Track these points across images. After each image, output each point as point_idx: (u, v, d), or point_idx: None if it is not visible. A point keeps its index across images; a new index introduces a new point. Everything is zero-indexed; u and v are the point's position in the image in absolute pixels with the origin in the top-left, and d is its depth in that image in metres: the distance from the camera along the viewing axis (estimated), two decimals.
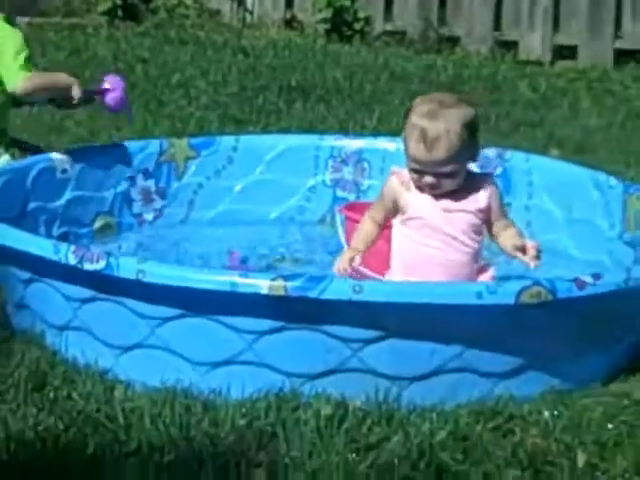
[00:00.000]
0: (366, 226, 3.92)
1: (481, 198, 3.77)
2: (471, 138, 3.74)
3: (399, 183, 3.80)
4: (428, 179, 3.70)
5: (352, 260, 3.80)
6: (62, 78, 4.80)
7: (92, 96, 4.93)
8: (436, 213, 3.73)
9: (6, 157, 4.66)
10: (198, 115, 6.81)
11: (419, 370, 3.32)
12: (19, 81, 4.60)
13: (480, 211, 3.76)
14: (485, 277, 3.77)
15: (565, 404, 3.31)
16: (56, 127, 6.36)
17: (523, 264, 3.76)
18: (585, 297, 3.35)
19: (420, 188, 3.74)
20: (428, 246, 3.73)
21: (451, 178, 3.72)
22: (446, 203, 3.74)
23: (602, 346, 3.53)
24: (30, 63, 4.69)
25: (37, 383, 3.32)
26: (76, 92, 4.72)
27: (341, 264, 3.81)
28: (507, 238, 3.77)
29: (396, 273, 3.80)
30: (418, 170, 3.71)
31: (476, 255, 3.80)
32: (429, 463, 2.96)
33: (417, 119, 3.71)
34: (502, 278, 3.84)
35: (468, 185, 3.78)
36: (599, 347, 3.52)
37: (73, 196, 4.58)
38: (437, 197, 3.74)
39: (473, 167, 3.91)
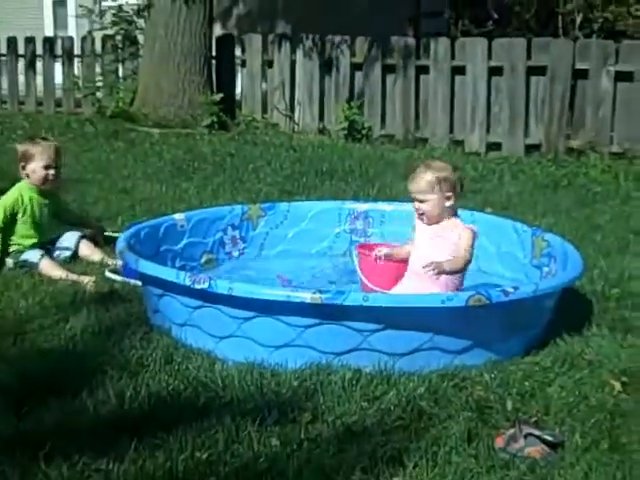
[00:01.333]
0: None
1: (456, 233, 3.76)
2: (441, 189, 3.73)
3: None
4: (415, 205, 3.82)
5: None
6: None
7: None
8: None
9: (39, 251, 4.63)
10: (265, 190, 6.80)
11: (406, 349, 3.30)
12: None
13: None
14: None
15: (498, 369, 3.29)
16: (177, 198, 6.38)
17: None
18: (509, 301, 3.33)
19: None
20: None
21: (425, 212, 3.79)
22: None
23: (520, 332, 3.50)
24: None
25: (167, 360, 3.33)
26: None
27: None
28: None
29: None
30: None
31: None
32: (412, 408, 2.97)
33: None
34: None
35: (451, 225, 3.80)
36: (519, 333, 3.50)
37: (188, 242, 4.57)
38: None
39: None
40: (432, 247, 3.76)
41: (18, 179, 4.86)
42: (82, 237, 4.88)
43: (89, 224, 5.19)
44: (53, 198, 4.91)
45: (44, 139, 4.90)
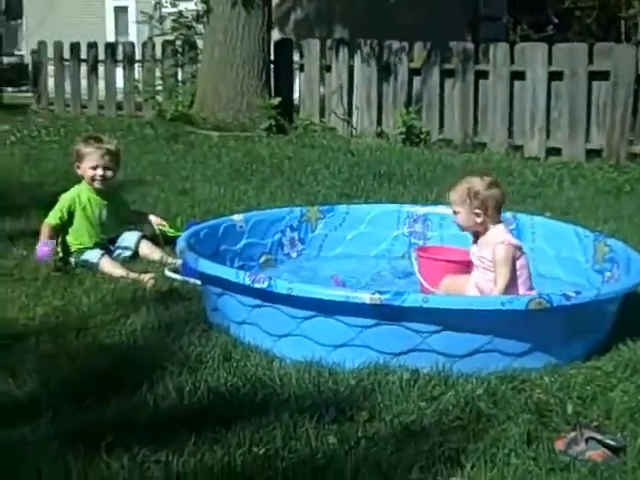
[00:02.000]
0: None
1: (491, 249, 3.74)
2: (472, 201, 3.73)
3: None
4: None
5: None
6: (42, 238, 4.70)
7: None
8: None
9: (99, 251, 4.71)
10: (324, 192, 6.81)
11: (464, 350, 3.28)
12: (47, 219, 4.78)
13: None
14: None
15: (558, 373, 3.25)
16: (236, 200, 6.42)
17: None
18: (570, 305, 3.29)
19: None
20: None
21: (462, 223, 3.85)
22: None
23: (582, 336, 3.46)
24: (53, 216, 4.74)
25: (226, 357, 3.35)
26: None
27: None
28: None
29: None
30: None
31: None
32: (471, 409, 2.94)
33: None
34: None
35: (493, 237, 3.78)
36: (580, 337, 3.45)
37: (247, 242, 4.60)
38: None
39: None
40: (476, 270, 3.80)
41: (79, 180, 4.94)
42: (142, 237, 4.95)
43: (149, 221, 5.21)
44: (113, 199, 4.98)
45: (97, 139, 4.91)
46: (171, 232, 5.00)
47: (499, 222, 3.77)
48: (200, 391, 3.03)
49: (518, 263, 3.67)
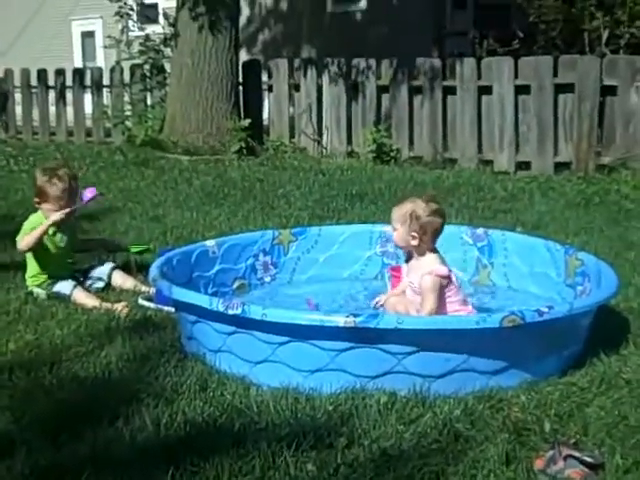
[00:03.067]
0: None
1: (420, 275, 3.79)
2: (411, 222, 3.78)
3: None
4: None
5: None
6: (40, 228, 4.58)
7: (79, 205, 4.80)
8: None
9: (71, 282, 4.65)
10: (296, 214, 6.82)
11: (440, 371, 3.28)
12: (18, 246, 4.66)
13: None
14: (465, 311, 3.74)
15: (535, 390, 3.26)
16: (208, 225, 6.40)
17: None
18: (544, 321, 3.31)
19: None
20: None
21: (401, 245, 3.95)
22: None
23: (556, 352, 3.48)
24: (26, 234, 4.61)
25: (202, 386, 3.33)
26: (55, 217, 4.59)
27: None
28: None
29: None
30: None
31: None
32: (449, 430, 2.94)
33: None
34: (488, 311, 3.83)
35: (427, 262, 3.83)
36: (554, 353, 3.47)
37: (220, 268, 4.58)
38: None
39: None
40: (408, 290, 3.87)
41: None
42: (115, 267, 4.92)
43: (103, 243, 5.27)
44: (70, 227, 4.87)
45: (57, 176, 4.69)
46: (136, 248, 5.04)
47: (433, 250, 3.84)
48: (177, 422, 3.01)
49: (447, 291, 3.74)
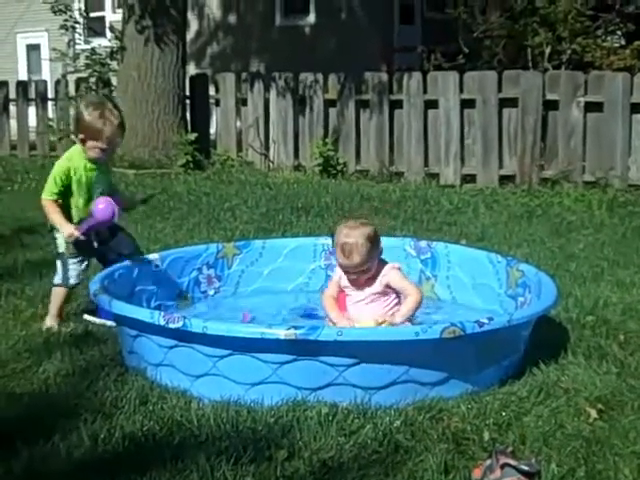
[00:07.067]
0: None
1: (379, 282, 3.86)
2: (373, 245, 3.80)
3: (339, 276, 3.95)
4: (351, 276, 3.86)
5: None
6: (57, 222, 4.28)
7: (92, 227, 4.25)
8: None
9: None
10: (241, 228, 6.81)
11: (381, 382, 3.28)
12: (43, 198, 4.31)
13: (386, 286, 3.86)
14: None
15: (475, 400, 3.28)
16: (152, 239, 6.35)
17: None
18: (484, 332, 3.33)
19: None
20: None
21: (365, 273, 3.84)
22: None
23: (496, 362, 3.50)
24: (51, 191, 4.27)
25: (142, 401, 3.30)
26: (66, 234, 4.25)
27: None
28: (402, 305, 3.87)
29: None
30: (344, 270, 3.87)
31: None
32: (389, 441, 2.95)
33: (338, 239, 3.83)
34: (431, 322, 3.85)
35: (377, 273, 3.87)
36: (494, 363, 3.49)
37: (163, 281, 4.53)
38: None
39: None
40: (369, 307, 3.89)
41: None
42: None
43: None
44: (104, 166, 4.50)
45: (109, 110, 4.30)
46: None
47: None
48: (115, 438, 2.96)
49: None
